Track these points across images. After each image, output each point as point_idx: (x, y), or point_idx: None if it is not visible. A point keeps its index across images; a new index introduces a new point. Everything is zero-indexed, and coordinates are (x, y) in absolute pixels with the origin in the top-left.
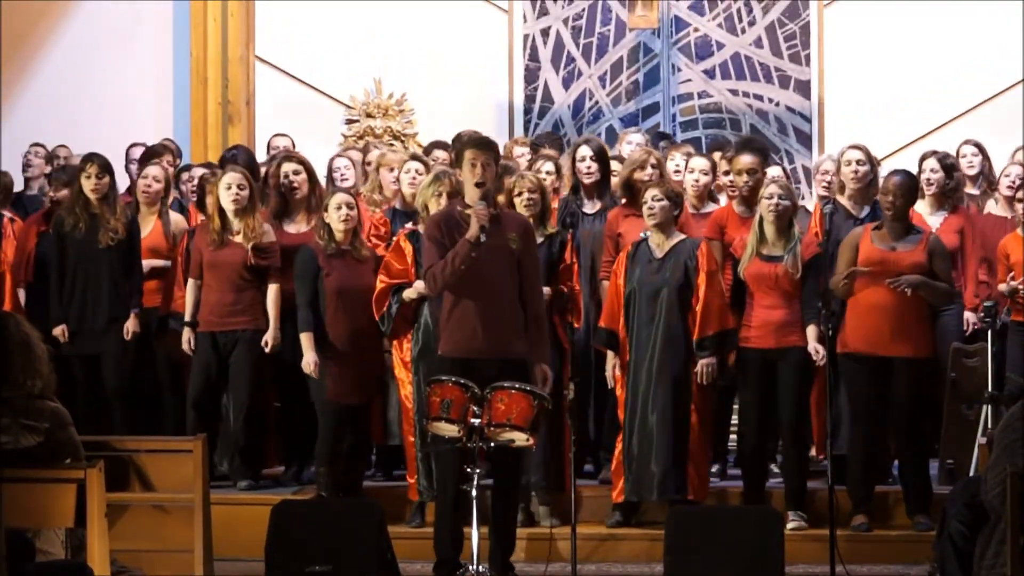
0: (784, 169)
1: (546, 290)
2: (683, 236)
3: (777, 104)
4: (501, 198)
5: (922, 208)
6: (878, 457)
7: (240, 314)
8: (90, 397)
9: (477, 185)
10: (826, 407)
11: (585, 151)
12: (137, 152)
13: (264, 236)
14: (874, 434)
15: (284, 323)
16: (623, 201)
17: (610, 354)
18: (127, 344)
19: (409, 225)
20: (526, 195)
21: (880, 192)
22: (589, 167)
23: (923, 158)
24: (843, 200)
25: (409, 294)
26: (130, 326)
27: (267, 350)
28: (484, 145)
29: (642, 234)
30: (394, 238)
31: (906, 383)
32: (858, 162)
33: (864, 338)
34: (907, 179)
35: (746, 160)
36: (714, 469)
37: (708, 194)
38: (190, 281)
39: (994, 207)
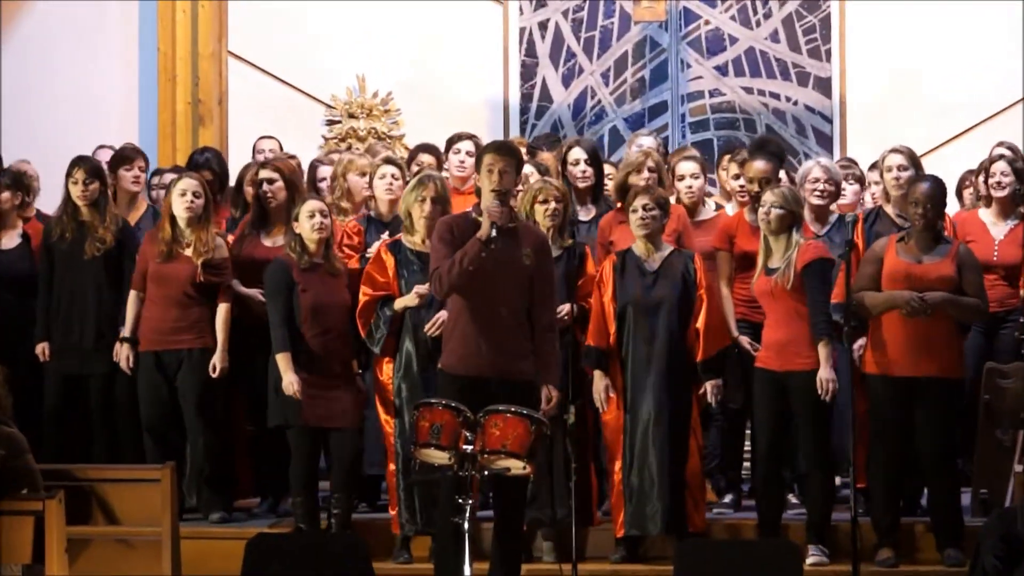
0: (789, 175)
1: (566, 307)
2: (671, 247)
3: (795, 103)
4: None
5: (986, 216)
6: (902, 486)
7: (185, 332)
8: (69, 421)
9: (494, 192)
10: (854, 433)
11: (578, 153)
12: (104, 155)
13: (216, 251)
14: (898, 460)
15: (254, 342)
16: (618, 206)
17: (599, 375)
18: (115, 366)
19: (386, 235)
20: (552, 204)
21: (909, 201)
22: (584, 171)
23: (991, 160)
24: (888, 209)
25: (403, 303)
26: (119, 347)
27: (215, 374)
28: (504, 150)
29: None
30: (372, 248)
31: (934, 406)
32: (899, 167)
33: (888, 357)
34: (936, 186)
35: (759, 167)
36: (727, 500)
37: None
38: (132, 293)
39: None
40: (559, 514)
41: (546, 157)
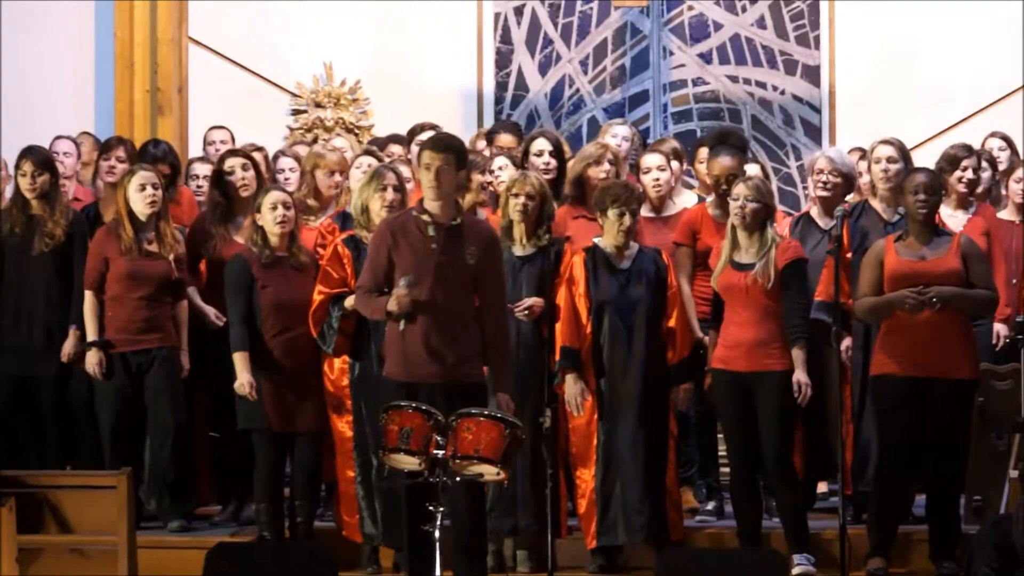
0: (763, 167)
1: (529, 301)
2: (638, 244)
3: (782, 92)
4: (470, 197)
5: (942, 209)
6: (906, 493)
7: (154, 331)
8: (19, 424)
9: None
10: (838, 439)
11: (543, 144)
12: (63, 146)
13: (179, 245)
14: (906, 466)
15: (216, 341)
16: (571, 200)
17: (571, 378)
18: (66, 367)
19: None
20: (522, 199)
21: (908, 192)
22: (547, 163)
23: (959, 156)
24: (874, 203)
25: (351, 303)
26: (68, 347)
27: (184, 375)
28: (441, 146)
29: (596, 240)
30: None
31: (944, 408)
32: (889, 159)
33: (899, 358)
34: (933, 177)
35: (725, 162)
36: (710, 507)
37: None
38: (88, 295)
39: (1003, 213)
40: (524, 523)
41: (506, 141)
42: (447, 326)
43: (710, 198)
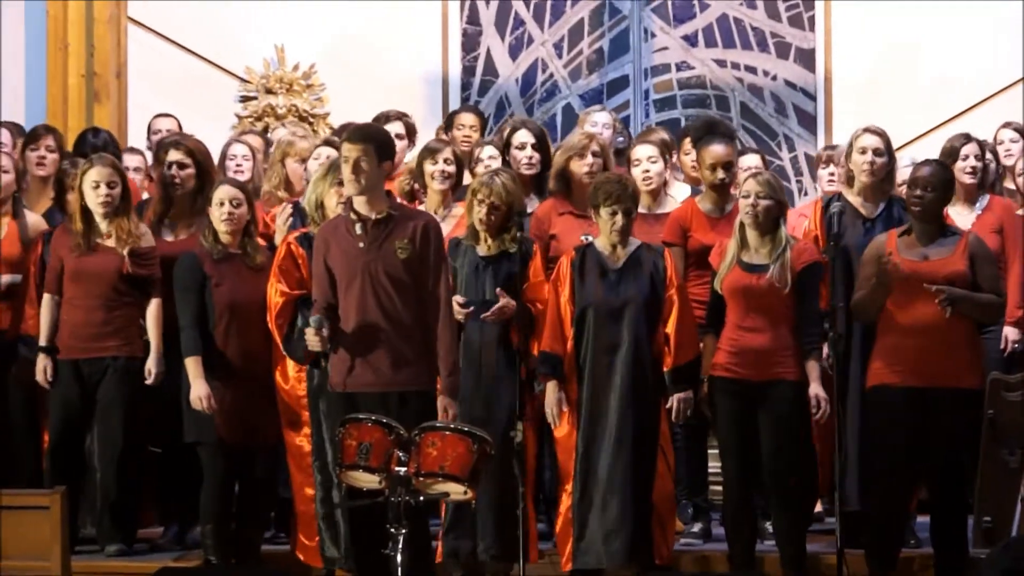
0: (762, 157)
1: (510, 302)
2: (639, 242)
3: (774, 78)
4: (434, 192)
5: (951, 207)
6: (908, 513)
7: (110, 337)
8: None
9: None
10: (834, 451)
11: (525, 136)
12: None
13: (142, 239)
14: (907, 484)
15: (166, 348)
16: (555, 194)
17: (551, 386)
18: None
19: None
20: (484, 210)
21: (908, 185)
22: (530, 156)
23: (957, 146)
24: (850, 196)
25: None
26: (40, 359)
27: (149, 381)
28: (358, 136)
29: (584, 237)
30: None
31: (948, 420)
32: (875, 151)
33: (899, 367)
34: (940, 170)
35: (717, 151)
36: (696, 529)
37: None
38: (46, 297)
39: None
40: (484, 545)
41: (469, 120)
42: (381, 329)
43: (699, 193)
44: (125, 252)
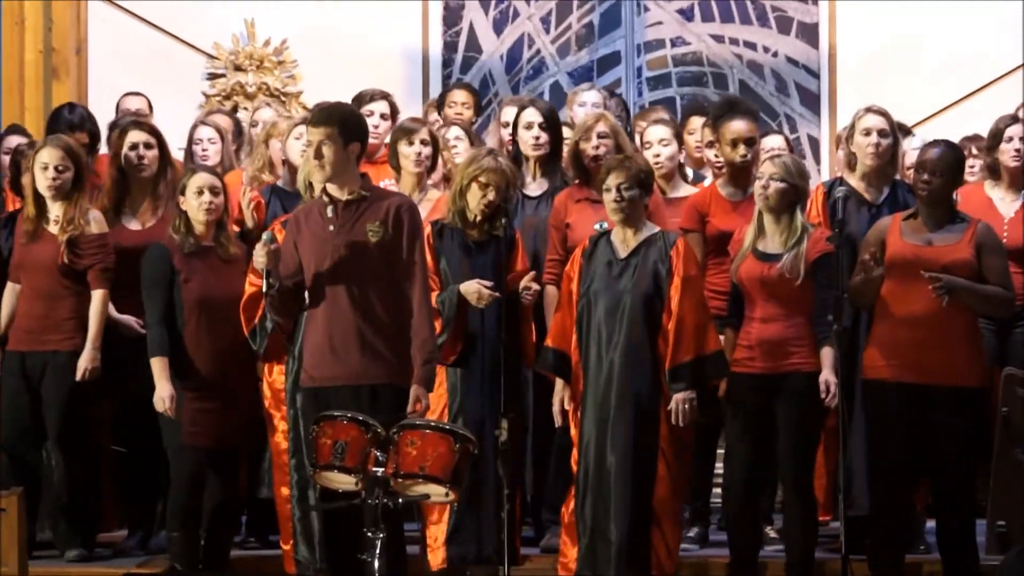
0: (786, 138)
1: (492, 293)
2: (656, 228)
3: (775, 54)
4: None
5: (994, 191)
6: (911, 518)
7: (53, 331)
8: None
9: (316, 168)
10: (838, 453)
11: (532, 115)
12: None
13: (88, 226)
14: (906, 487)
15: (122, 341)
16: (576, 182)
17: (559, 383)
18: None
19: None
20: (491, 196)
21: (916, 168)
22: (538, 137)
23: (1001, 128)
24: (853, 181)
25: None
26: None
27: (78, 377)
28: (320, 118)
29: (597, 226)
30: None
31: (948, 420)
32: (880, 132)
33: (895, 360)
34: (949, 152)
35: (739, 127)
36: (692, 533)
37: (680, 172)
38: (8, 285)
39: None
40: (485, 550)
41: (462, 98)
42: (352, 319)
43: (701, 179)
44: (63, 241)
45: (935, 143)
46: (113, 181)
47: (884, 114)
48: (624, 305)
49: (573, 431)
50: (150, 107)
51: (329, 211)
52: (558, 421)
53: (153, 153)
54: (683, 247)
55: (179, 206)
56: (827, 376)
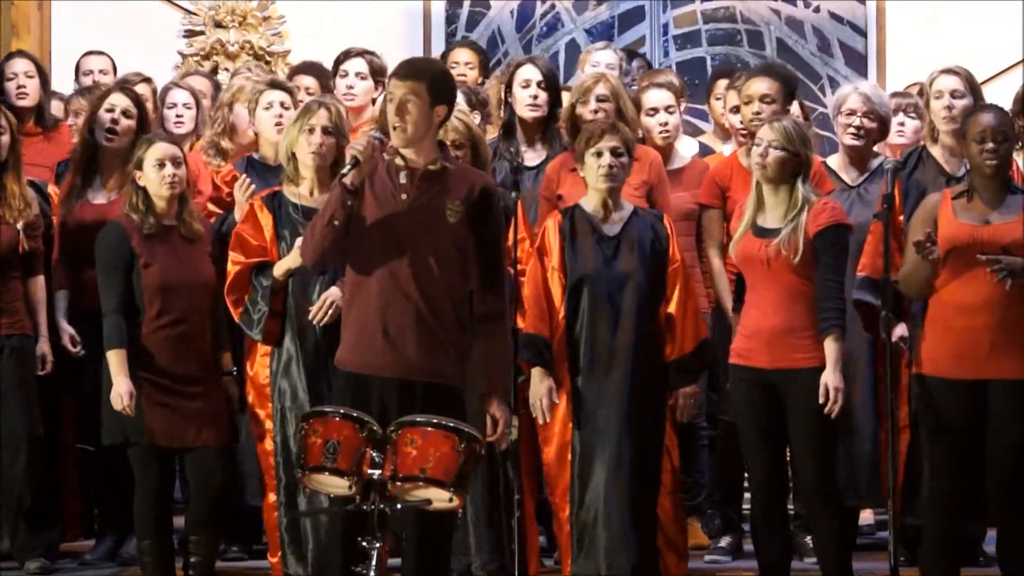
0: (803, 106)
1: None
2: (632, 206)
3: (817, 10)
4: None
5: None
6: (966, 525)
7: (2, 315)
8: None
9: (394, 129)
10: (887, 454)
11: (530, 73)
12: None
13: (31, 208)
14: (962, 491)
15: (87, 333)
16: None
17: (539, 373)
18: None
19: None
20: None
21: (972, 139)
22: (535, 95)
23: None
24: (934, 151)
25: (285, 267)
26: None
27: (43, 371)
28: (408, 71)
29: (581, 200)
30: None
31: (1011, 417)
32: (954, 93)
33: (953, 353)
34: (1003, 117)
35: (759, 86)
36: (724, 544)
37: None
38: None
39: None
40: (479, 561)
41: (465, 57)
42: (414, 302)
43: (728, 145)
44: (20, 226)
45: (986, 107)
46: (83, 148)
47: (959, 73)
48: (628, 286)
49: (555, 429)
50: (114, 68)
51: (403, 177)
52: (543, 418)
53: (129, 124)
54: (672, 226)
55: (135, 181)
56: (829, 377)
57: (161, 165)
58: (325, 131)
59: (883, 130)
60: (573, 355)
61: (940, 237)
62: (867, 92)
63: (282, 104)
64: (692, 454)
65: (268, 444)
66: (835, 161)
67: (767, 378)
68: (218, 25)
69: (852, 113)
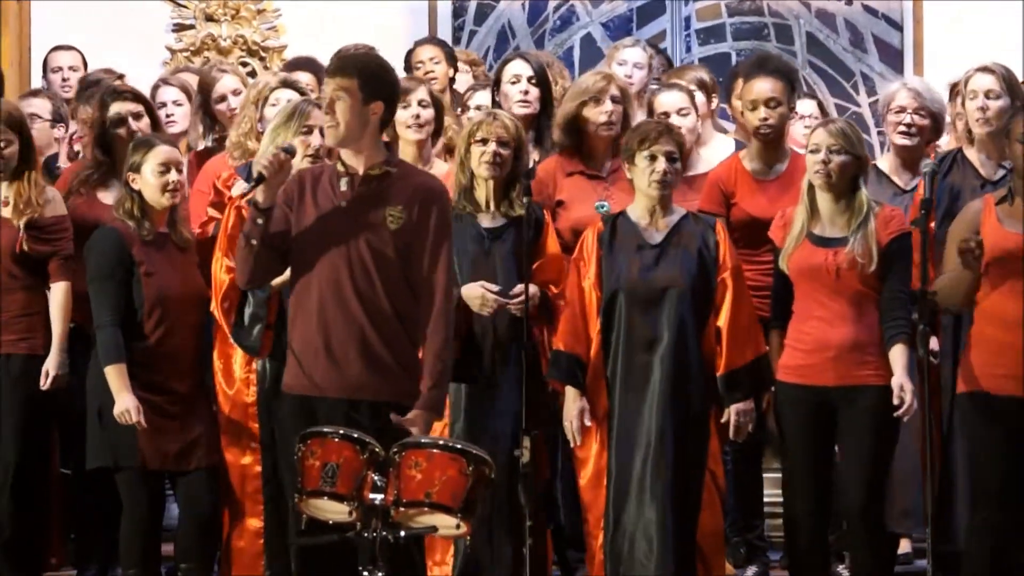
0: (820, 102)
1: (519, 288)
2: (684, 211)
3: (849, 3)
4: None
5: None
6: (1017, 557)
7: (4, 330)
8: None
9: (327, 128)
10: (927, 477)
11: (519, 68)
12: None
13: (47, 207)
14: (1008, 517)
15: (75, 348)
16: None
17: (571, 393)
18: None
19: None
20: (492, 146)
21: (1015, 139)
22: (525, 91)
23: None
24: (970, 153)
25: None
26: None
27: (46, 384)
28: (339, 67)
29: (598, 205)
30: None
31: None
32: (989, 94)
33: (997, 370)
34: None
35: (761, 88)
36: (750, 573)
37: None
38: None
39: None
40: None
41: (427, 53)
42: (356, 316)
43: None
44: (21, 224)
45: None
46: (97, 153)
47: (996, 71)
48: (667, 298)
49: (585, 452)
50: (84, 63)
51: (343, 183)
52: (576, 441)
53: (145, 123)
54: (724, 232)
55: (129, 184)
56: (901, 379)
57: (163, 171)
58: (322, 133)
59: (936, 128)
60: (609, 374)
61: (984, 246)
62: (917, 87)
63: (289, 102)
64: None
65: (255, 467)
66: (886, 163)
67: (828, 396)
68: (209, 19)
69: (902, 110)
